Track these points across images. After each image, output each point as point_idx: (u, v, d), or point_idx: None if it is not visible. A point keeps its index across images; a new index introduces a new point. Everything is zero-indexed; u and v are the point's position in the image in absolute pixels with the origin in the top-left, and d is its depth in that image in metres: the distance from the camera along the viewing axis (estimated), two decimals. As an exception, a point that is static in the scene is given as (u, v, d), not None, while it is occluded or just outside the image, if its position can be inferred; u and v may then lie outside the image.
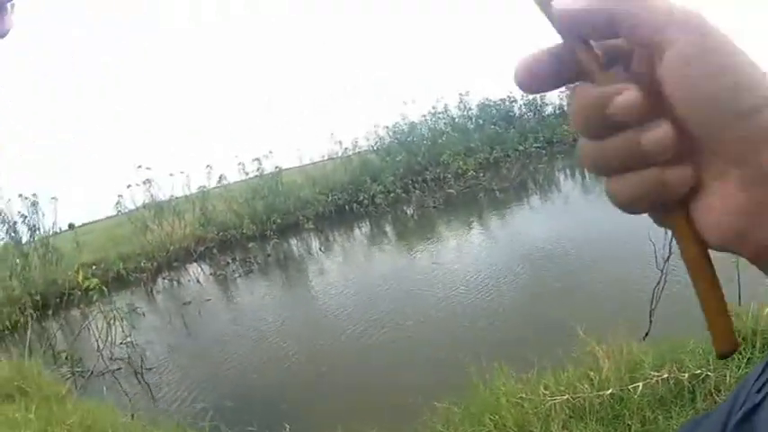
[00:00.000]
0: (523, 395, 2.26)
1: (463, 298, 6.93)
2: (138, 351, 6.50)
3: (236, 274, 9.98)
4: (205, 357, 6.63)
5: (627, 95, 0.34)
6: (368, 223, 12.58)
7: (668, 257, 4.39)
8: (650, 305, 4.40)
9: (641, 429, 1.86)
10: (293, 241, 12.18)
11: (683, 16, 0.33)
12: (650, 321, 4.23)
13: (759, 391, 0.57)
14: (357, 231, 12.29)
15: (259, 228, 12.11)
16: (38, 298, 9.51)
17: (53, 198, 11.50)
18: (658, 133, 0.34)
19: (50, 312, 9.36)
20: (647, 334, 4.01)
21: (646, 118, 0.34)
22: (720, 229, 0.36)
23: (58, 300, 9.61)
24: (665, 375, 2.39)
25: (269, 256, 10.79)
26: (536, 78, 0.38)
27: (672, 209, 0.38)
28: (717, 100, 0.32)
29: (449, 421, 2.62)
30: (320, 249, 11.13)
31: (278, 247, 11.29)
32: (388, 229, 12.23)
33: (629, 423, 2.21)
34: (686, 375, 2.38)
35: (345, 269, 9.75)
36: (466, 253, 9.22)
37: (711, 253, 0.37)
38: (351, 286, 8.42)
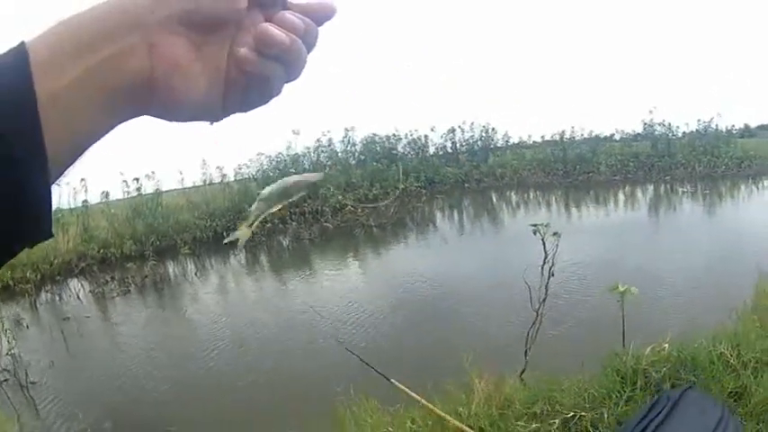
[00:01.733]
0: (390, 429, 2.62)
1: (337, 329, 7.25)
2: (22, 364, 6.58)
3: (114, 293, 10.02)
4: (83, 374, 6.80)
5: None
6: (244, 251, 12.61)
7: (544, 299, 4.67)
8: (525, 345, 4.61)
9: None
10: (170, 264, 12.19)
11: None
12: (526, 360, 4.40)
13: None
14: (233, 258, 12.41)
15: (138, 248, 12.09)
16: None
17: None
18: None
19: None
20: (522, 371, 4.15)
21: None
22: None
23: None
24: (537, 411, 2.63)
25: (146, 277, 10.83)
26: None
27: None
28: None
29: None
30: (195, 274, 11.31)
31: (155, 268, 11.29)
32: (264, 258, 12.44)
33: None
34: (557, 419, 2.54)
35: (218, 297, 9.96)
36: (340, 286, 9.57)
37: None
38: (222, 315, 8.66)
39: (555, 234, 4.85)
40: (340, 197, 14.79)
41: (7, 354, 6.84)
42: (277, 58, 0.54)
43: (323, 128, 17.57)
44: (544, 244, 4.84)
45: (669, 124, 15.45)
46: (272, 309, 8.73)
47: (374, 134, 17.95)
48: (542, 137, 18.17)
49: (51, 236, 0.50)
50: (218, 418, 5.34)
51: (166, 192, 14.63)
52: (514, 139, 18.72)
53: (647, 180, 14.19)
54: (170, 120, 0.56)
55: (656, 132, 15.72)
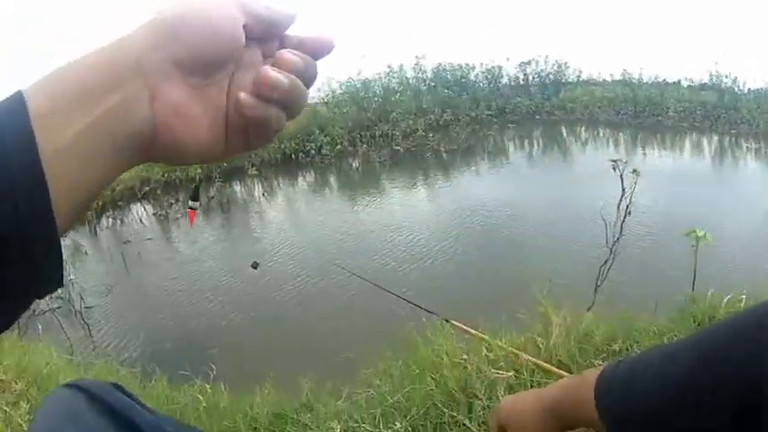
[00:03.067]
0: (466, 356, 2.31)
1: (405, 253, 7.03)
2: (77, 290, 6.42)
3: (179, 215, 9.88)
4: (143, 298, 6.66)
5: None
6: (312, 173, 12.54)
7: (618, 238, 4.60)
8: (596, 281, 4.54)
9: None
10: (237, 186, 12.04)
11: None
12: (594, 296, 4.32)
13: None
14: (301, 180, 12.25)
15: (204, 170, 11.95)
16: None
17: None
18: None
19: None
20: (590, 308, 3.98)
21: None
22: None
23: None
24: (617, 348, 2.38)
25: (212, 198, 10.70)
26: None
27: None
28: None
29: (388, 376, 2.65)
30: (263, 195, 11.14)
31: (222, 190, 11.18)
32: (332, 180, 12.21)
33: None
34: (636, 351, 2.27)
35: (287, 216, 9.83)
36: (410, 209, 9.30)
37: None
38: (291, 234, 8.48)
39: (634, 172, 4.75)
40: (410, 122, 14.46)
41: (63, 281, 6.64)
42: (277, 101, 0.54)
43: (394, 55, 17.22)
44: (622, 180, 4.79)
45: (736, 78, 14.54)
46: (337, 230, 8.47)
47: (446, 62, 17.33)
48: (611, 75, 17.25)
49: (61, 285, 0.49)
50: (276, 342, 5.23)
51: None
52: (584, 76, 17.77)
53: (713, 130, 13.48)
54: (176, 163, 0.57)
55: (723, 85, 14.78)
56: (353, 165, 12.92)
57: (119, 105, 0.47)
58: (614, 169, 4.83)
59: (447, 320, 2.73)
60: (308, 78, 0.56)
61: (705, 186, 9.80)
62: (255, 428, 2.47)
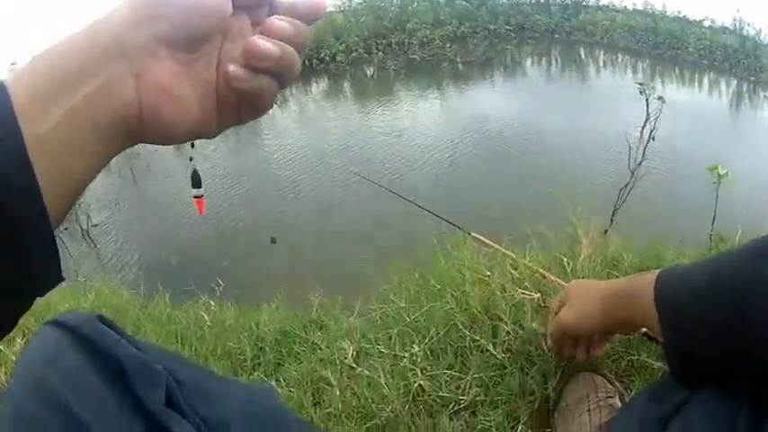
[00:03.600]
0: (489, 273, 2.10)
1: (421, 163, 6.86)
2: (84, 208, 6.29)
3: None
4: (150, 212, 6.54)
5: None
6: (326, 80, 12.24)
7: (640, 162, 4.44)
8: (615, 204, 4.40)
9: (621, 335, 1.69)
10: (249, 94, 11.78)
11: None
12: (612, 219, 4.22)
13: None
14: (314, 87, 11.98)
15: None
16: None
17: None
18: None
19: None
20: (606, 231, 3.94)
21: None
22: None
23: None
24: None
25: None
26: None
27: None
28: None
29: (404, 291, 2.45)
30: (275, 102, 10.86)
31: (233, 97, 10.93)
32: (347, 86, 11.97)
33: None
34: None
35: (299, 123, 9.62)
36: (425, 118, 9.06)
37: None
38: (303, 141, 8.29)
39: (660, 98, 4.64)
40: (427, 32, 13.98)
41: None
42: (268, 71, 0.53)
43: None
44: (648, 105, 4.69)
45: (760, 30, 14.01)
46: (350, 136, 8.34)
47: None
48: (633, 4, 16.63)
49: (62, 279, 0.49)
50: (286, 255, 5.09)
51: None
52: (605, 1, 16.98)
53: (732, 74, 12.88)
54: (166, 144, 0.56)
55: (745, 32, 14.22)
56: (368, 72, 12.58)
57: (101, 88, 0.46)
58: (641, 93, 4.68)
59: (468, 233, 2.53)
60: (300, 44, 0.56)
61: (723, 125, 9.63)
62: (261, 348, 2.29)
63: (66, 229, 5.99)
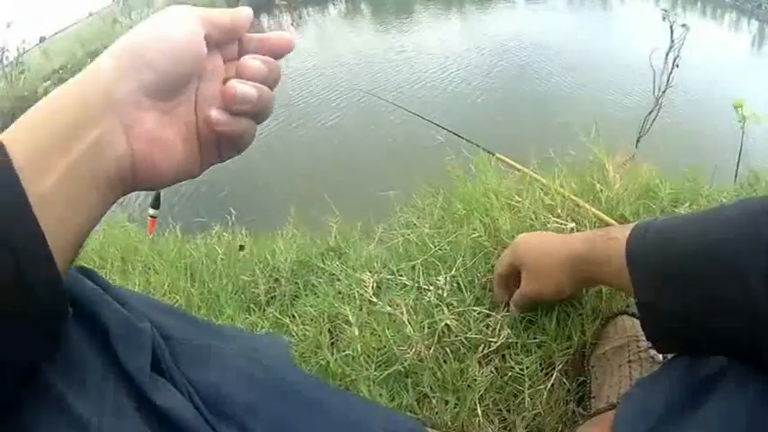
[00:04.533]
0: (519, 199, 1.94)
1: (442, 83, 6.67)
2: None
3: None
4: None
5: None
6: (343, 0, 12.01)
7: (665, 90, 4.42)
8: (639, 132, 4.35)
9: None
10: (264, 19, 11.49)
11: None
12: (636, 147, 4.11)
13: None
14: (331, 8, 11.77)
15: (231, 3, 11.43)
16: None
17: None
18: None
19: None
20: (630, 158, 3.81)
21: None
22: None
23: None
24: (682, 211, 1.99)
25: (238, 33, 10.24)
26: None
27: None
28: None
29: (428, 216, 2.30)
30: (292, 24, 10.76)
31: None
32: (364, 6, 11.66)
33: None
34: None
35: (316, 45, 9.49)
36: (445, 39, 8.87)
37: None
38: (322, 62, 8.18)
39: (684, 26, 4.71)
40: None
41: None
42: (247, 113, 0.56)
43: None
44: (672, 31, 4.71)
45: None
46: (369, 57, 8.23)
47: None
48: None
49: (68, 314, 0.52)
50: (304, 180, 4.96)
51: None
52: None
53: (755, 15, 12.25)
54: (156, 188, 0.60)
55: None
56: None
57: (95, 144, 0.48)
58: (664, 19, 4.71)
59: (494, 154, 2.36)
60: (273, 81, 0.59)
61: (745, 65, 9.10)
62: (276, 279, 2.16)
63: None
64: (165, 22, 0.53)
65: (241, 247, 2.48)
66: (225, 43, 0.59)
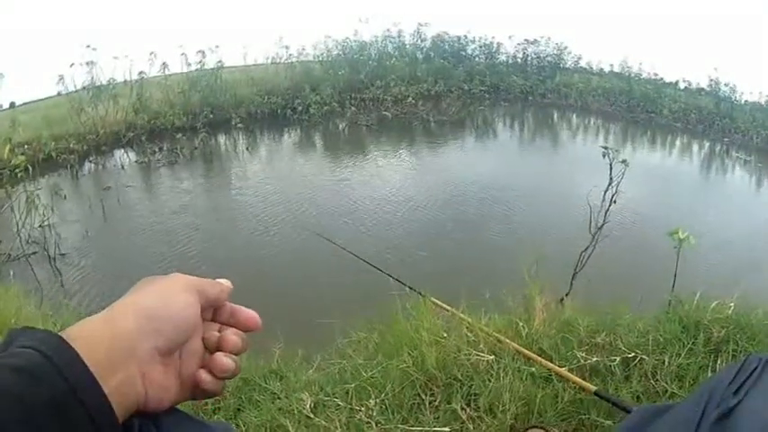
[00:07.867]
0: (446, 335, 2.22)
1: (387, 220, 6.94)
2: (54, 235, 6.33)
3: (161, 164, 9.73)
4: (117, 247, 6.54)
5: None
6: (298, 131, 12.40)
7: (602, 225, 4.50)
8: (575, 267, 4.43)
9: (572, 396, 1.79)
10: (222, 138, 11.88)
11: None
12: (571, 283, 4.25)
13: (735, 393, 0.79)
14: (286, 137, 12.14)
15: (191, 120, 11.60)
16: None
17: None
18: None
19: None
20: (566, 295, 3.97)
21: None
22: None
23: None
24: (600, 342, 2.26)
25: (195, 148, 10.56)
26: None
27: None
28: None
29: (363, 348, 2.56)
30: (246, 149, 10.97)
31: (206, 141, 10.99)
32: (318, 139, 12.09)
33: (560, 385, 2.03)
34: (617, 357, 2.19)
35: (269, 173, 9.65)
36: (394, 176, 9.21)
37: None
38: (271, 192, 8.38)
39: (623, 162, 4.77)
40: (403, 88, 14.30)
41: (39, 226, 6.50)
42: (226, 378, 0.70)
43: (396, 18, 16.60)
44: (611, 168, 4.81)
45: (734, 87, 14.61)
46: (318, 189, 8.45)
47: (445, 32, 17.08)
48: (611, 66, 17.34)
49: None
50: (249, 305, 4.89)
51: (228, 68, 13.90)
52: (583, 63, 17.79)
53: (705, 136, 13.63)
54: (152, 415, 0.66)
55: (720, 92, 14.88)
56: (340, 126, 12.74)
57: (121, 384, 0.58)
58: (604, 156, 4.80)
59: (426, 296, 2.65)
60: (243, 350, 0.72)
61: (691, 188, 9.86)
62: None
63: (34, 253, 6.01)
64: (175, 296, 0.68)
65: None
66: (209, 309, 0.74)
